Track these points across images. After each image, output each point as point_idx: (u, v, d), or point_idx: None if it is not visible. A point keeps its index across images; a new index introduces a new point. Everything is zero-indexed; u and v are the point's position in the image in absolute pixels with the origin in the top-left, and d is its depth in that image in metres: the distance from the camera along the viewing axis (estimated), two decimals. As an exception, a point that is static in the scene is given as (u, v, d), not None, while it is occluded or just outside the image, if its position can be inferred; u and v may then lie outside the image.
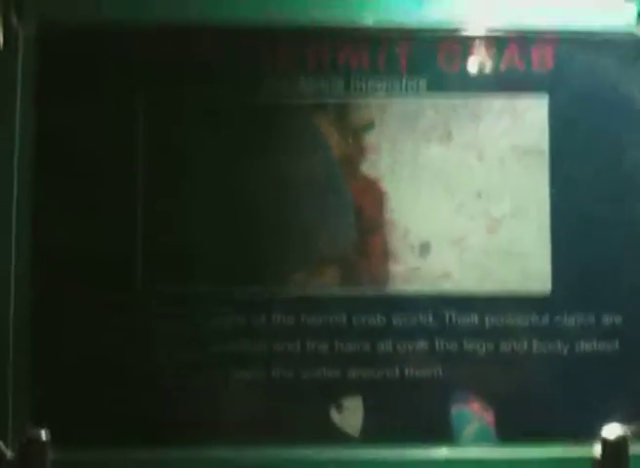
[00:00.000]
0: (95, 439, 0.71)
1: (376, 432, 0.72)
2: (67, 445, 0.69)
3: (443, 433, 0.72)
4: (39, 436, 0.71)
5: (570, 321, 0.73)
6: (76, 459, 0.70)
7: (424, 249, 0.74)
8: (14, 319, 0.71)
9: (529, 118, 0.75)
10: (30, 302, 0.72)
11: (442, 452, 0.71)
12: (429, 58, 0.76)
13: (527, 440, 0.71)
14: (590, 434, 0.70)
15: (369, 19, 0.76)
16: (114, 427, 0.71)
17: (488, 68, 0.76)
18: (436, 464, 0.71)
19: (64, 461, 0.69)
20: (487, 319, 0.73)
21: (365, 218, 0.75)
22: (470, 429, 0.72)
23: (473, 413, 0.72)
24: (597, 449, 0.70)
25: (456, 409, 0.72)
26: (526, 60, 0.76)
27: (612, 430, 0.70)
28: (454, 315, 0.73)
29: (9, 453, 0.71)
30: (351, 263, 0.74)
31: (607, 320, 0.73)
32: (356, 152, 0.75)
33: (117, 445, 0.71)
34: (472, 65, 0.76)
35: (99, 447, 0.70)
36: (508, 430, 0.72)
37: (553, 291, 0.73)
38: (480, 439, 0.72)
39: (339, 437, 0.72)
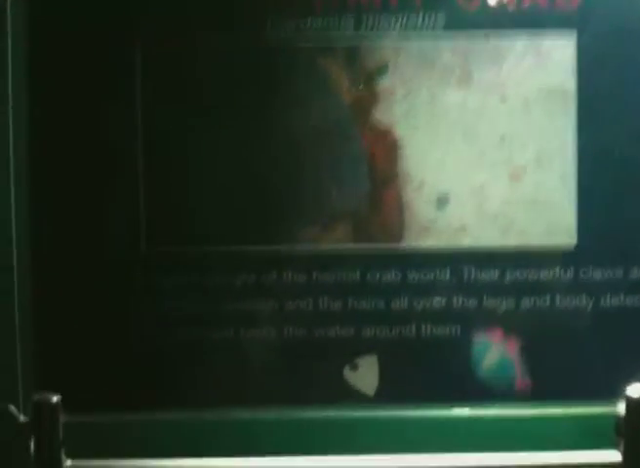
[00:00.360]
0: (103, 402, 0.70)
1: (391, 391, 0.70)
2: (76, 408, 0.69)
3: (461, 392, 0.70)
4: (50, 398, 0.71)
5: (596, 275, 0.70)
6: (86, 421, 0.69)
7: (442, 201, 0.71)
8: (18, 285, 0.69)
9: (555, 57, 0.70)
10: (33, 268, 0.70)
11: (459, 412, 0.70)
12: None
13: (549, 397, 0.70)
14: (615, 392, 0.68)
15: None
16: (123, 389, 0.70)
17: (510, 3, 0.70)
18: (454, 423, 0.69)
19: (75, 423, 0.69)
20: (508, 274, 0.70)
21: (378, 169, 0.71)
22: (490, 359, 0.70)
23: (494, 343, 0.70)
24: (621, 408, 0.68)
25: (476, 340, 0.70)
26: (552, -7, 0.70)
27: (637, 389, 0.68)
28: (472, 270, 0.70)
29: (21, 417, 0.71)
30: (364, 217, 0.71)
31: (635, 273, 0.70)
32: (368, 97, 0.71)
33: (126, 407, 0.70)
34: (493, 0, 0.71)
35: (107, 410, 0.70)
36: (531, 368, 0.71)
37: (579, 243, 0.70)
38: (501, 371, 0.71)
39: (353, 396, 0.71)
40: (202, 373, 0.71)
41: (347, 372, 0.71)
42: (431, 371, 0.70)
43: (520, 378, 0.71)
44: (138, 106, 0.70)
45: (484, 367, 0.71)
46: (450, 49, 0.70)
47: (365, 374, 0.71)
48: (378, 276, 0.71)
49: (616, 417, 0.68)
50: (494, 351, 0.71)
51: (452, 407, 0.70)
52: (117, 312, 0.70)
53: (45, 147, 0.70)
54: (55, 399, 0.72)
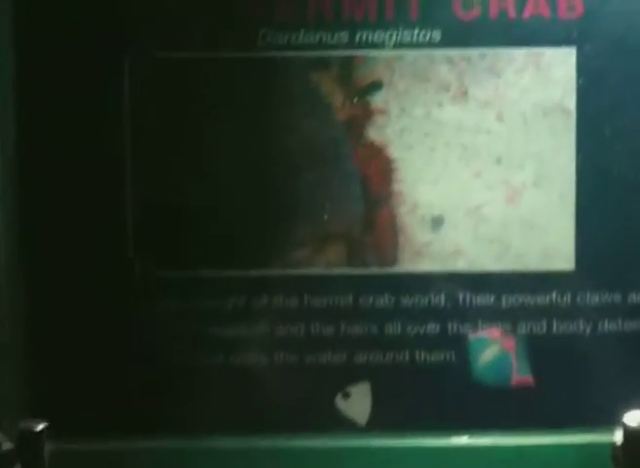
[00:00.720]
0: (93, 429, 0.69)
1: (384, 420, 0.69)
2: (65, 435, 0.67)
3: (455, 421, 0.69)
4: (35, 426, 0.70)
5: (593, 299, 0.69)
6: (74, 450, 0.68)
7: (436, 222, 0.69)
8: (9, 308, 0.68)
9: (554, 74, 0.68)
10: (25, 291, 0.69)
11: (453, 441, 0.69)
12: (444, 5, 0.68)
13: (545, 425, 0.69)
14: (611, 419, 0.67)
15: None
16: (112, 417, 0.69)
17: (509, 16, 0.68)
18: (447, 453, 0.68)
19: (63, 451, 0.68)
20: (504, 299, 0.69)
21: (371, 190, 0.69)
22: (487, 355, 0.69)
23: (491, 339, 0.69)
24: (618, 436, 0.67)
25: (473, 336, 0.69)
26: (552, 7, 0.68)
27: (634, 416, 0.67)
28: (468, 295, 0.69)
29: (7, 444, 0.70)
30: (357, 239, 0.69)
31: (633, 298, 0.69)
32: (361, 115, 0.69)
33: (116, 435, 0.68)
34: (492, 13, 0.68)
35: (95, 436, 0.68)
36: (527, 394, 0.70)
37: (577, 267, 0.68)
38: (498, 367, 0.69)
39: (345, 425, 0.69)
40: (191, 400, 0.69)
41: (339, 400, 0.69)
42: (426, 399, 0.69)
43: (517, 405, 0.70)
44: (126, 126, 0.68)
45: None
46: (446, 65, 0.68)
47: (357, 402, 0.69)
48: (371, 300, 0.69)
49: (613, 446, 0.67)
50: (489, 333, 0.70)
51: (448, 436, 0.69)
52: (107, 337, 0.69)
53: (32, 166, 0.68)
54: (40, 426, 0.71)
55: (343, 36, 0.69)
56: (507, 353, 0.69)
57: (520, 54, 0.68)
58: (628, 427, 0.66)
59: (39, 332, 0.69)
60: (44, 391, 0.69)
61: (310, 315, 0.69)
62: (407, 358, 0.69)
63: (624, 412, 0.67)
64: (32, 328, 0.69)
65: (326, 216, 0.69)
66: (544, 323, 0.69)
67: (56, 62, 0.68)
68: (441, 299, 0.69)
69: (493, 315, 0.69)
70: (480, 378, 0.69)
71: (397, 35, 0.68)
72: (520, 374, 0.69)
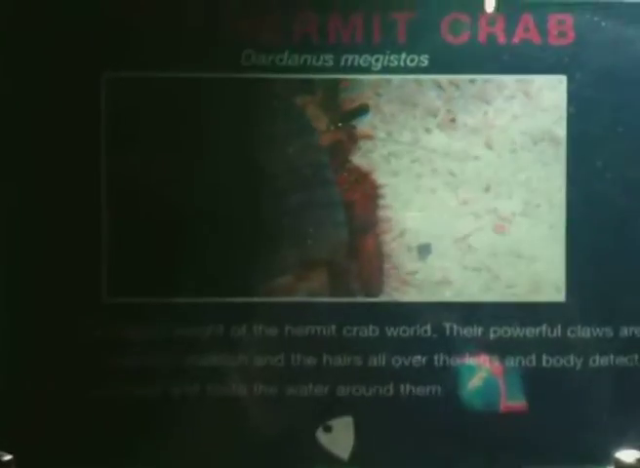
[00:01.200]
0: (61, 462, 0.66)
1: (367, 455, 0.67)
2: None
3: (441, 456, 0.67)
4: (1, 457, 0.67)
5: (584, 333, 0.67)
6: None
7: (423, 251, 0.67)
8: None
9: (544, 102, 0.67)
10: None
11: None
12: (432, 29, 0.67)
13: (535, 462, 0.66)
14: (604, 457, 0.65)
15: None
16: (79, 451, 0.66)
17: (499, 41, 0.67)
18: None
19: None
20: (492, 330, 0.67)
21: (356, 216, 0.67)
22: (476, 381, 0.67)
23: (479, 365, 0.67)
24: (611, 473, 0.65)
25: (461, 363, 0.67)
26: (542, 33, 0.67)
27: (628, 454, 0.65)
28: (455, 326, 0.67)
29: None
30: (341, 267, 0.67)
31: (626, 332, 0.67)
32: (346, 140, 0.68)
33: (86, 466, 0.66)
34: (481, 38, 0.67)
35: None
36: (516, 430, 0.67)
37: (567, 299, 0.67)
38: (487, 392, 0.67)
39: (326, 460, 0.67)
40: (164, 433, 0.66)
41: (320, 434, 0.67)
42: (410, 434, 0.67)
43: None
44: (103, 146, 0.66)
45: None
46: (434, 90, 0.67)
47: (339, 437, 0.67)
48: (355, 330, 0.67)
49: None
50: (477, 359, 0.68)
51: (432, 471, 0.66)
52: (75, 367, 0.66)
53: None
54: (6, 458, 0.68)
55: (329, 59, 0.68)
56: (496, 378, 0.67)
57: (510, 80, 0.67)
58: (621, 463, 0.65)
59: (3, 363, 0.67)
60: (10, 422, 0.66)
61: (291, 345, 0.67)
62: (391, 390, 0.67)
63: (616, 450, 0.65)
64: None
65: (309, 242, 0.67)
66: (534, 355, 0.67)
67: (31, 82, 0.67)
68: (427, 330, 0.67)
69: (480, 346, 0.67)
70: (468, 406, 0.67)
71: (384, 59, 0.68)
72: (509, 403, 0.67)
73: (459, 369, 0.67)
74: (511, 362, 0.67)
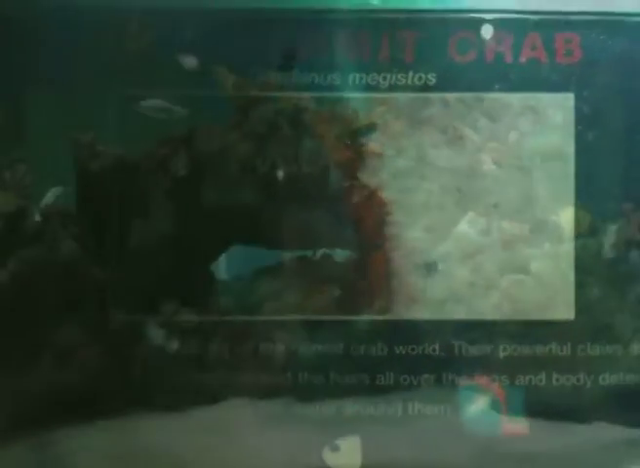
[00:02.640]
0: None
1: (375, 475, 0.67)
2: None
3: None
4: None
5: (594, 350, 0.68)
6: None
7: (431, 268, 0.68)
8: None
9: (553, 120, 0.68)
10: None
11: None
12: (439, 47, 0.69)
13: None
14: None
15: (368, 1, 0.69)
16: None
17: (506, 59, 0.69)
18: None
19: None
20: (501, 348, 0.68)
21: (364, 234, 0.68)
22: (478, 404, 0.67)
23: (481, 388, 0.67)
24: (623, 496, 0.65)
25: (462, 385, 0.67)
26: (549, 51, 0.69)
27: (639, 474, 0.65)
28: (463, 344, 0.68)
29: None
30: (348, 285, 0.68)
31: (636, 349, 0.68)
32: (355, 157, 0.69)
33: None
34: (488, 56, 0.69)
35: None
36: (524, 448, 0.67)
37: (577, 316, 0.68)
38: (489, 415, 0.67)
39: (334, 480, 0.67)
40: (168, 450, 0.67)
41: (327, 454, 0.67)
42: (419, 453, 0.67)
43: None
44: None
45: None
46: (442, 108, 0.69)
47: (346, 456, 0.67)
48: (362, 348, 0.68)
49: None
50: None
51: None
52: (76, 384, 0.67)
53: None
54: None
55: (337, 77, 0.69)
56: (498, 401, 0.67)
57: (517, 98, 0.69)
58: (632, 486, 0.65)
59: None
60: None
61: (298, 363, 0.68)
62: (400, 409, 0.67)
63: (628, 470, 0.65)
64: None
65: (317, 260, 0.68)
66: (543, 374, 0.67)
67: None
68: (436, 348, 0.68)
69: (489, 364, 0.67)
70: (470, 428, 0.67)
71: (392, 77, 0.69)
72: (512, 423, 0.67)
73: (467, 387, 0.67)
74: (520, 380, 0.68)
